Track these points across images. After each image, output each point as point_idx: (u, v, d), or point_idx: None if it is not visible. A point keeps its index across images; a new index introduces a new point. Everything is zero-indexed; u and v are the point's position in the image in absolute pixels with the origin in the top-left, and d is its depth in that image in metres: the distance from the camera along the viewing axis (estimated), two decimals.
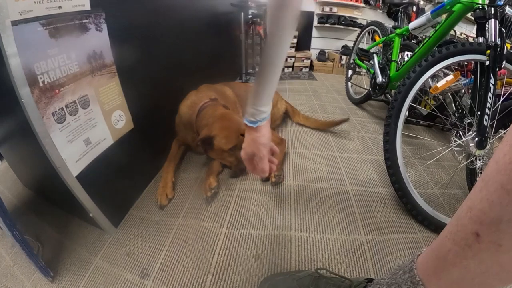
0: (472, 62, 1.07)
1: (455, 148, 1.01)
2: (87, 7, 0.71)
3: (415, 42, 2.26)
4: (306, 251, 0.81)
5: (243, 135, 0.70)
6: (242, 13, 2.29)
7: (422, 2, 3.21)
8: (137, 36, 0.96)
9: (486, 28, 0.96)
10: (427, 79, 1.06)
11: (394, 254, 0.81)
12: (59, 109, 0.66)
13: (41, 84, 0.61)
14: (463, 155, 0.99)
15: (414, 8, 3.24)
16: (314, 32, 3.60)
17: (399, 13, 1.82)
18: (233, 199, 1.02)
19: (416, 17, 3.10)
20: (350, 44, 3.33)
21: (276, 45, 0.57)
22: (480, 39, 1.01)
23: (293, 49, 3.43)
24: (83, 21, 0.72)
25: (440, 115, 1.35)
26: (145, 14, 1.01)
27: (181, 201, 1.02)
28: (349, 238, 0.86)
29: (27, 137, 0.64)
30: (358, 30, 3.30)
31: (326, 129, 1.61)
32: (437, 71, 1.04)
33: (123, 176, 0.94)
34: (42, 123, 0.62)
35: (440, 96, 1.42)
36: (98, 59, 0.77)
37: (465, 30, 2.93)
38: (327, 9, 3.38)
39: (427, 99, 1.74)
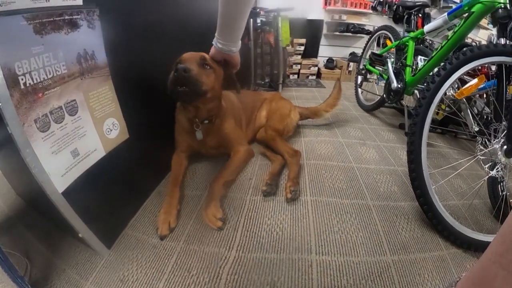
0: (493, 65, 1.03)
1: (481, 157, 0.97)
2: (79, 1, 0.66)
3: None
4: (330, 277, 0.74)
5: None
6: (251, 20, 2.24)
7: (427, 8, 3.21)
8: (134, 35, 0.89)
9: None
10: (454, 81, 1.01)
11: (422, 275, 0.76)
12: (42, 116, 0.59)
13: (22, 86, 0.55)
14: (489, 164, 0.95)
15: (420, 14, 3.23)
16: (323, 40, 3.66)
17: (412, 16, 1.76)
18: (242, 218, 0.93)
19: (423, 23, 3.08)
20: (358, 51, 3.34)
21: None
22: (502, 40, 1.02)
23: (299, 56, 3.45)
24: (74, 16, 0.66)
25: (461, 121, 1.30)
26: (144, 12, 0.95)
27: (183, 222, 0.92)
28: (374, 259, 0.80)
29: (10, 145, 0.58)
30: (366, 36, 3.32)
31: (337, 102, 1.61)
32: (463, 73, 1.00)
33: (117, 192, 0.86)
34: (23, 131, 0.56)
35: (464, 101, 1.34)
36: (89, 60, 0.71)
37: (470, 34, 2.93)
38: (336, 17, 3.45)
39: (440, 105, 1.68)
